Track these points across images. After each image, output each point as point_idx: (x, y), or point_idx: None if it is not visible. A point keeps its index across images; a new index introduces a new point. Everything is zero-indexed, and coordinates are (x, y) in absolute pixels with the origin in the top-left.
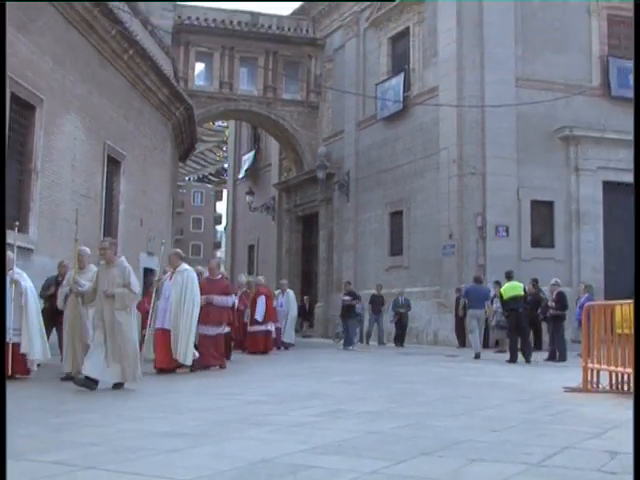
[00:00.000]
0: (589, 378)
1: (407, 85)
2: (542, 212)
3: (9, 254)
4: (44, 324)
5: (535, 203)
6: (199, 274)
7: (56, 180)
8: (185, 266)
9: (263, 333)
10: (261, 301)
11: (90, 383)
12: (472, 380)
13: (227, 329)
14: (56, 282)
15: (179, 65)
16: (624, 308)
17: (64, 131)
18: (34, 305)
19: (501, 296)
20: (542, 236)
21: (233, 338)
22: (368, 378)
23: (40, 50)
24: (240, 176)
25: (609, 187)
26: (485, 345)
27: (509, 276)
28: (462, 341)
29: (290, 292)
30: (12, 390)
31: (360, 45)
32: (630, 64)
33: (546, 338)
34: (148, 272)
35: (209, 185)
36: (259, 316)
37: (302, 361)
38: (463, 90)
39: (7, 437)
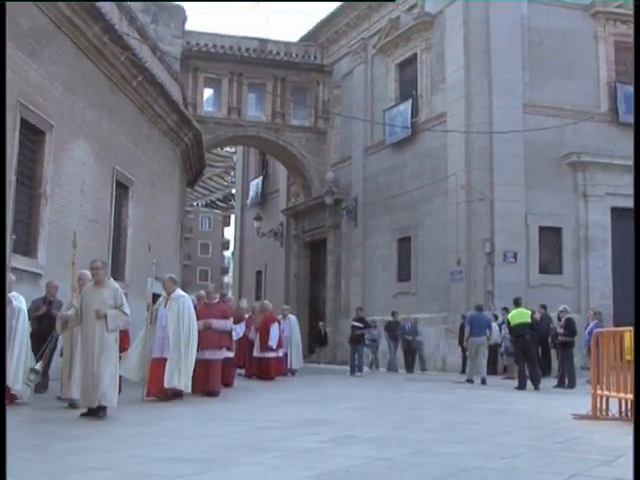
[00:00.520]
0: (598, 405)
1: (415, 111)
2: (550, 238)
3: (11, 276)
4: (32, 347)
5: (543, 229)
6: (200, 297)
7: (65, 205)
8: (180, 292)
9: (275, 359)
10: (275, 327)
11: (98, 411)
12: (480, 407)
13: (230, 354)
14: (47, 302)
15: (188, 91)
16: (633, 334)
17: (73, 156)
18: (23, 330)
19: (509, 322)
20: (550, 262)
21: (238, 364)
22: (376, 404)
23: (50, 76)
24: (249, 203)
25: (617, 213)
26: (494, 372)
27: (517, 303)
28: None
29: (293, 317)
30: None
31: (368, 71)
32: None
33: (555, 364)
34: (156, 297)
35: (217, 210)
36: (274, 343)
37: (309, 387)
38: (471, 116)
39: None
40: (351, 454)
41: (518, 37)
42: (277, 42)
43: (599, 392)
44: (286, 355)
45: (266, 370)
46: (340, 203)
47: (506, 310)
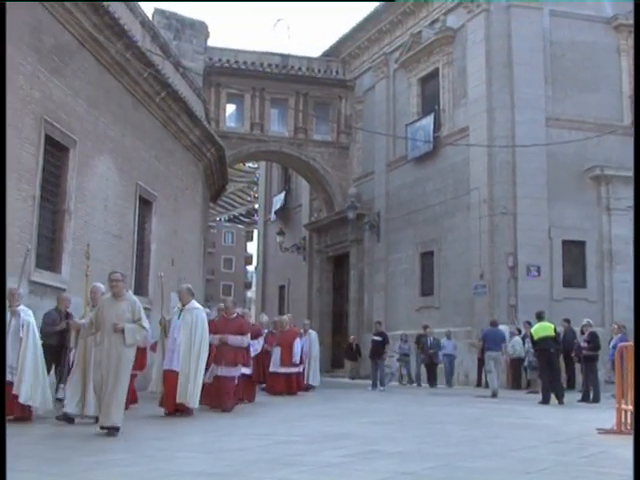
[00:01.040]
0: (623, 419)
1: (437, 125)
2: (574, 252)
3: (20, 291)
4: (47, 361)
5: (566, 243)
6: (220, 309)
7: (89, 220)
8: (195, 304)
9: (295, 374)
10: (298, 342)
11: (69, 419)
12: (504, 421)
13: (247, 371)
14: (64, 316)
15: (210, 107)
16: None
17: (97, 172)
18: (35, 345)
19: (532, 336)
20: (574, 276)
21: (257, 380)
22: (399, 419)
23: (74, 92)
24: (272, 218)
25: None
26: (517, 386)
27: (540, 316)
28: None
29: (313, 333)
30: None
31: (390, 86)
32: None
33: (579, 379)
34: None
35: (240, 225)
36: (297, 358)
37: (331, 402)
38: (493, 130)
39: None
40: (375, 468)
41: (540, 50)
42: (299, 57)
43: (624, 406)
44: (303, 370)
45: (288, 385)
46: (363, 218)
47: (529, 324)
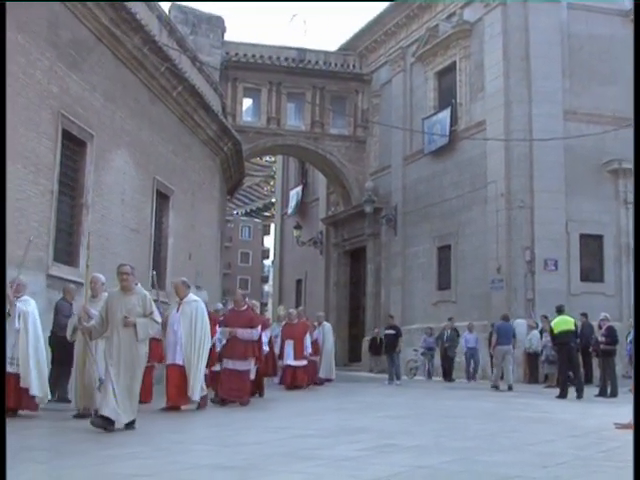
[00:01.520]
0: None
1: (454, 119)
2: (591, 246)
3: (21, 279)
4: (61, 353)
5: (584, 237)
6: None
7: (106, 214)
8: (193, 296)
9: (303, 368)
10: (308, 336)
11: (106, 423)
12: (521, 415)
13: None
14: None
15: (227, 101)
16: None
17: (114, 166)
18: (36, 335)
19: (551, 330)
20: (592, 270)
21: (264, 373)
22: (415, 412)
23: (91, 87)
24: (289, 212)
25: None
26: (534, 380)
27: (560, 310)
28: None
29: (327, 325)
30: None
31: (407, 80)
32: None
33: (597, 373)
34: None
35: (257, 219)
36: (307, 351)
37: (348, 395)
38: (510, 124)
39: (58, 469)
40: (392, 462)
41: (558, 44)
42: (316, 51)
43: None
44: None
45: (299, 378)
46: (380, 212)
47: (546, 318)
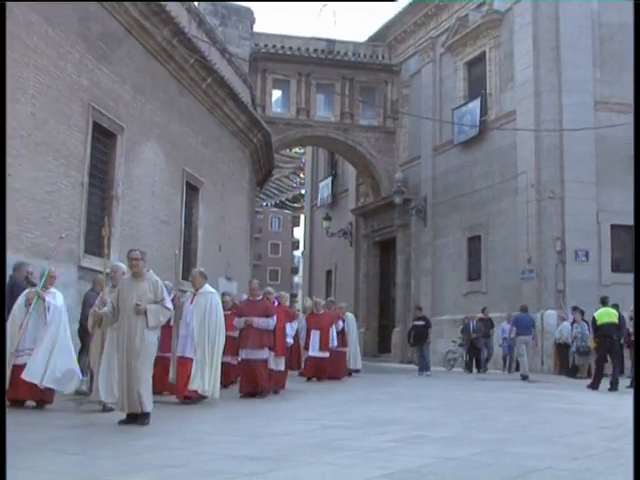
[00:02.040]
0: None
1: (484, 109)
2: (623, 236)
3: (52, 269)
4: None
5: (615, 227)
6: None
7: (137, 206)
8: (209, 288)
9: (342, 356)
10: (333, 327)
11: (136, 420)
12: (552, 406)
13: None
14: None
15: (256, 92)
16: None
17: (144, 158)
18: (58, 328)
19: (594, 321)
20: (623, 261)
21: (291, 366)
22: (445, 404)
23: (121, 79)
24: (320, 203)
25: None
26: (565, 372)
27: (604, 302)
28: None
29: (350, 315)
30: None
31: (436, 70)
32: None
33: (628, 364)
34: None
35: (287, 211)
36: (333, 343)
37: (377, 386)
38: (541, 114)
39: (90, 459)
40: (421, 453)
41: (588, 33)
42: (345, 42)
43: None
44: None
45: (324, 370)
46: (409, 202)
47: (575, 309)
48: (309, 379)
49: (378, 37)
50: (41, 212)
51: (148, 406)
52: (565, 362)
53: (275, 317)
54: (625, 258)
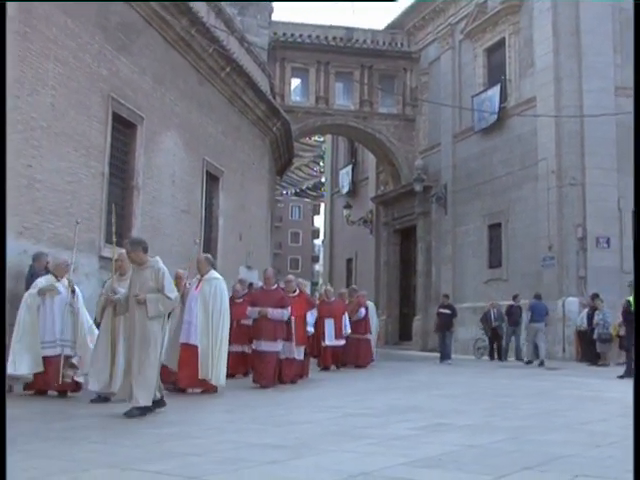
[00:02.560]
0: None
1: (504, 96)
2: None
3: (66, 259)
4: None
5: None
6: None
7: (157, 196)
8: (214, 274)
9: (366, 343)
10: (346, 315)
11: (158, 405)
12: (574, 394)
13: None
14: None
15: (275, 81)
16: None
17: (164, 148)
18: (84, 316)
19: (629, 307)
20: None
21: (312, 354)
22: (467, 391)
23: (140, 70)
24: (342, 191)
25: None
26: (588, 359)
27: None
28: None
29: (370, 304)
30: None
31: (455, 57)
32: None
33: None
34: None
35: (307, 199)
36: (346, 330)
37: (399, 374)
38: (561, 100)
39: (113, 447)
40: (443, 441)
41: (609, 18)
42: (364, 30)
43: None
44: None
45: (338, 358)
46: (429, 190)
47: (597, 296)
48: (326, 368)
49: (397, 24)
50: (62, 202)
51: (142, 400)
52: (587, 349)
53: (289, 308)
54: None
